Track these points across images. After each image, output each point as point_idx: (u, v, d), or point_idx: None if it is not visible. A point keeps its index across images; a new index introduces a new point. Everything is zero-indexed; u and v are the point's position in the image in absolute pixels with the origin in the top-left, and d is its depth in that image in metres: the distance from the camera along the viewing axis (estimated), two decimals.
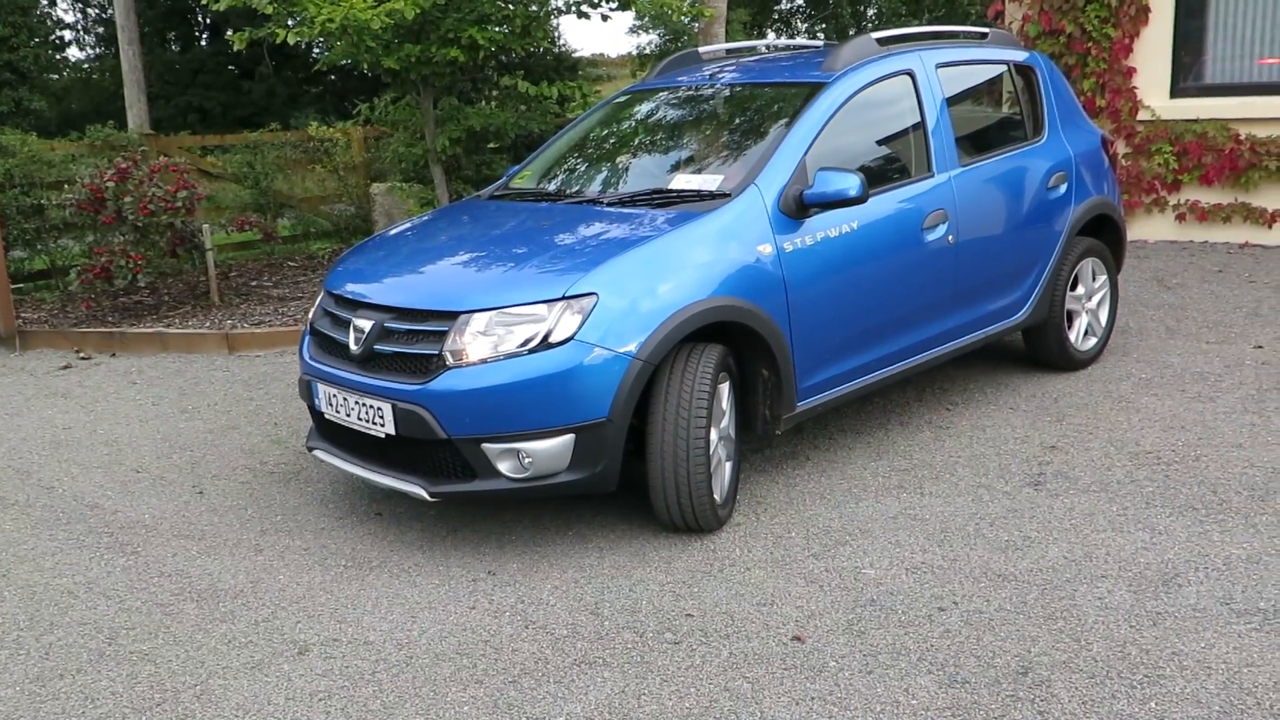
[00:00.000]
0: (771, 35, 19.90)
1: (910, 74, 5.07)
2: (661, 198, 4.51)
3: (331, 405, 4.19)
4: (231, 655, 3.42)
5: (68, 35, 27.33)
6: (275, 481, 4.94)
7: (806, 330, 4.39)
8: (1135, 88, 9.09)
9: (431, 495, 3.92)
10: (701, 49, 5.94)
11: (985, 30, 5.87)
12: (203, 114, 23.89)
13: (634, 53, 29.43)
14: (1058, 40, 9.23)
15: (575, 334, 3.79)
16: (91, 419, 6.04)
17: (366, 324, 4.08)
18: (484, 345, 3.82)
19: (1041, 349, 5.88)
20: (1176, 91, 9.07)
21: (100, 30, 28.16)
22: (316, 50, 20.57)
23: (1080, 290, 5.87)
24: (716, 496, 4.09)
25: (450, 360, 3.83)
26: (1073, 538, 3.96)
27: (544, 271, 4.01)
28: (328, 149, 11.39)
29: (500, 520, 4.35)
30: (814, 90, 4.76)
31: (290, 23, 7.87)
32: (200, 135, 14.55)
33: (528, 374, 3.76)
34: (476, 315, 3.85)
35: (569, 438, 3.79)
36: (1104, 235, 6.04)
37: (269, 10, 7.44)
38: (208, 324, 7.89)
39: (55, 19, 25.88)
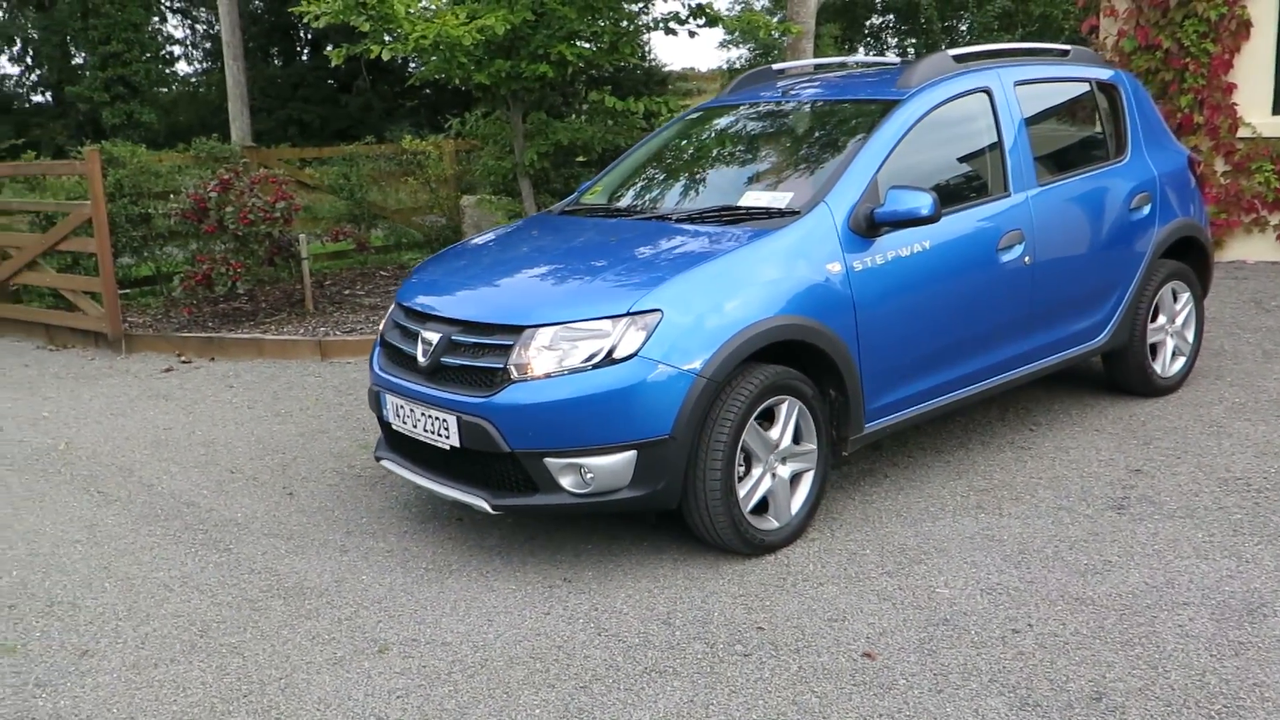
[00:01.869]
0: (861, 51, 19.81)
1: (987, 91, 5.01)
2: (730, 214, 4.50)
3: (399, 416, 4.27)
4: (315, 651, 3.54)
5: (176, 50, 28.37)
6: (361, 485, 5.09)
7: (875, 351, 4.35)
8: (1235, 104, 8.86)
9: (494, 508, 3.95)
10: (776, 65, 5.92)
11: (1067, 48, 5.77)
12: (302, 126, 24.57)
13: (724, 67, 29.50)
14: (1154, 55, 9.05)
15: (639, 350, 3.80)
16: (190, 420, 6.28)
17: (434, 336, 4.13)
18: (548, 360, 3.84)
19: (1122, 374, 5.75)
20: (1279, 108, 8.82)
21: (207, 45, 29.17)
22: (411, 65, 21.05)
23: (1162, 319, 5.73)
24: (748, 516, 4.02)
25: (515, 374, 3.86)
26: (1155, 563, 3.89)
27: (610, 287, 4.05)
28: (420, 162, 11.67)
29: (576, 529, 4.42)
30: (887, 108, 4.73)
31: (386, 39, 8.07)
32: (299, 148, 14.95)
33: (591, 389, 3.78)
34: (542, 330, 3.88)
35: (631, 454, 3.80)
36: (1190, 258, 5.90)
37: (366, 27, 7.65)
38: (302, 331, 8.14)
39: (165, 34, 26.91)
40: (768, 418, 4.08)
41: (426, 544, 4.37)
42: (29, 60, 25.80)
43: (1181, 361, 5.90)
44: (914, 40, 18.14)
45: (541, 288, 4.30)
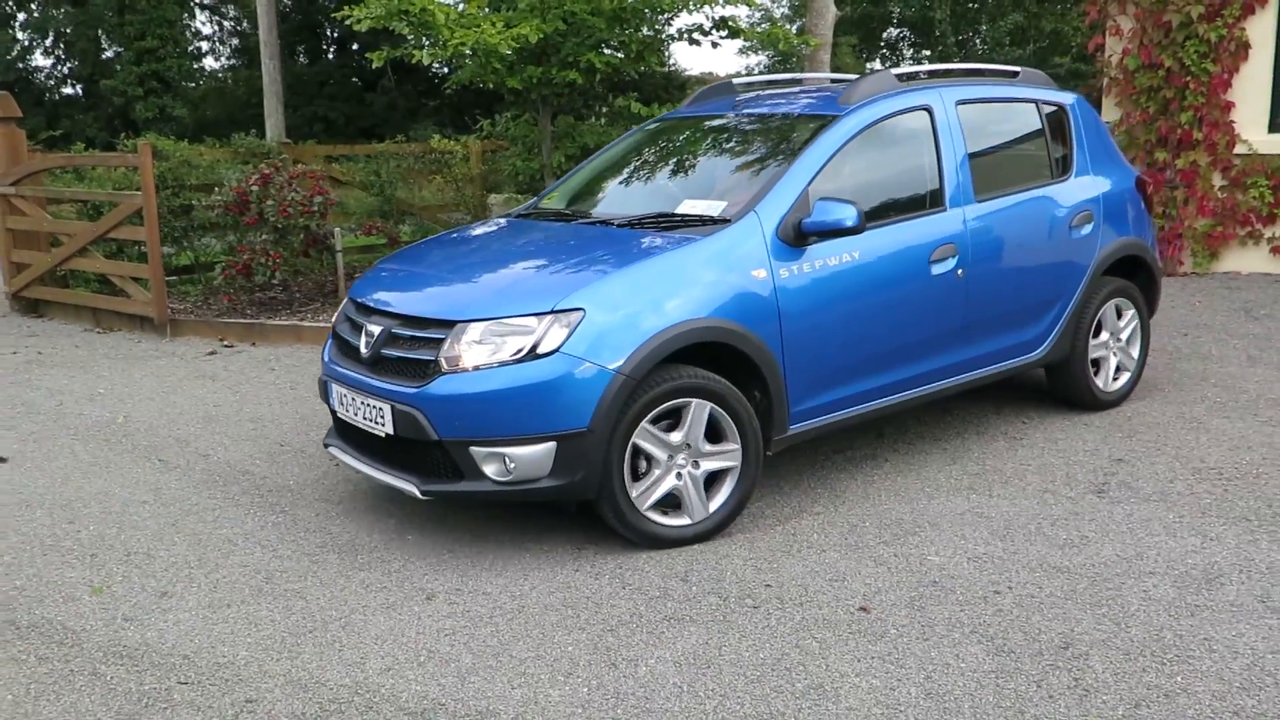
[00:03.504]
0: (877, 63, 20.22)
1: (928, 109, 5.17)
2: (668, 221, 4.70)
3: (343, 405, 4.51)
4: (369, 597, 3.96)
5: (204, 46, 28.93)
6: None
7: (801, 355, 4.52)
8: (1233, 122, 9.25)
9: (423, 493, 4.17)
10: (736, 80, 6.11)
11: (1017, 70, 5.95)
12: (327, 124, 25.08)
13: (742, 72, 29.99)
14: (1156, 74, 9.45)
15: (560, 346, 4.00)
16: (237, 399, 6.72)
17: (376, 329, 4.38)
18: (477, 353, 4.06)
19: (1063, 387, 5.90)
20: (1275, 127, 9.24)
21: (235, 42, 29.72)
22: (436, 66, 21.50)
23: (1105, 335, 5.89)
24: (640, 506, 4.21)
25: (445, 366, 4.08)
26: (1127, 539, 4.29)
27: (539, 286, 4.28)
28: (447, 161, 12.09)
29: None
30: (825, 123, 4.90)
31: (425, 44, 8.51)
32: (328, 145, 15.38)
33: (514, 382, 3.99)
34: (472, 325, 4.11)
35: (551, 445, 4.01)
36: (1137, 277, 6.07)
37: (406, 32, 8.09)
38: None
39: (194, 31, 27.45)
40: (674, 418, 4.25)
41: (463, 511, 4.78)
42: (59, 53, 26.36)
43: (1126, 377, 6.06)
44: (928, 53, 18.52)
45: (478, 285, 4.53)
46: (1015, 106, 5.74)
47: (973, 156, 5.27)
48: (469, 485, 4.13)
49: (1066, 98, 5.98)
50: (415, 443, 4.19)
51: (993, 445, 5.46)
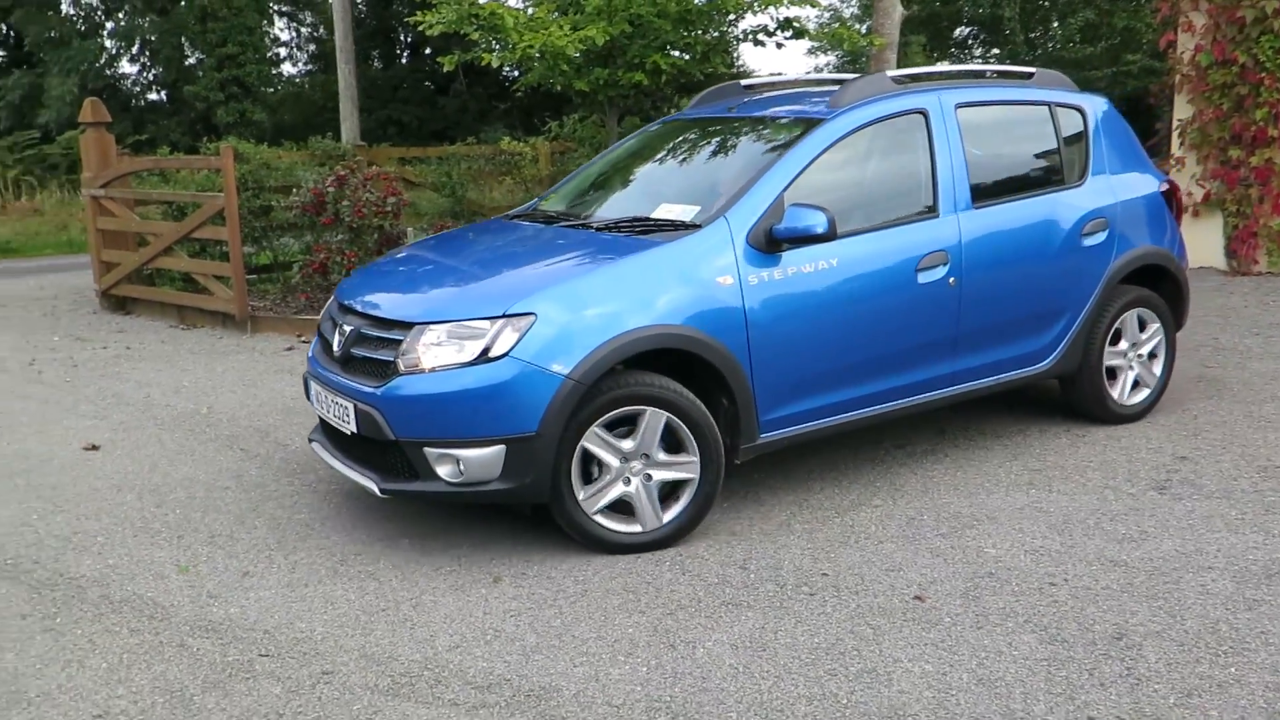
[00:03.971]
0: (945, 63, 20.07)
1: (923, 113, 5.02)
2: (642, 225, 4.67)
3: (318, 401, 4.63)
4: (439, 579, 4.13)
5: (282, 52, 29.63)
6: None
7: (771, 364, 4.44)
8: None
9: (382, 491, 4.22)
10: (745, 80, 5.99)
11: (1032, 70, 5.78)
12: (400, 126, 25.54)
13: (810, 72, 29.90)
14: (1230, 70, 9.31)
15: (510, 350, 4.00)
16: None
17: (349, 328, 4.46)
18: (433, 355, 4.09)
19: (1077, 399, 5.69)
20: None
21: (311, 48, 30.39)
22: (505, 70, 21.82)
23: (1123, 345, 5.67)
24: (588, 510, 4.20)
25: (403, 367, 4.12)
26: (1187, 535, 4.30)
27: (497, 290, 4.29)
28: (517, 162, 12.31)
29: None
30: (810, 126, 4.81)
31: (495, 47, 8.71)
32: (402, 147, 15.73)
33: (465, 385, 4.01)
34: (430, 327, 4.14)
35: (500, 448, 4.02)
36: (1163, 288, 5.84)
37: (476, 37, 8.29)
38: None
39: (273, 37, 28.12)
40: (631, 425, 4.21)
41: None
42: (145, 60, 27.18)
43: (1146, 392, 5.80)
44: (997, 51, 18.34)
45: (443, 288, 4.57)
46: (1025, 109, 5.53)
47: (973, 161, 5.11)
48: (423, 485, 4.17)
49: (1085, 100, 5.74)
50: (376, 441, 4.26)
51: (1055, 442, 5.48)
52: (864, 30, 9.74)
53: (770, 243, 4.44)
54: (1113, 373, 5.68)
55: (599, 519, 4.25)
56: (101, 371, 7.73)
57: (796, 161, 4.65)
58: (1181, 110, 9.89)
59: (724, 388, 4.38)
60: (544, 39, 7.89)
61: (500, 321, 4.07)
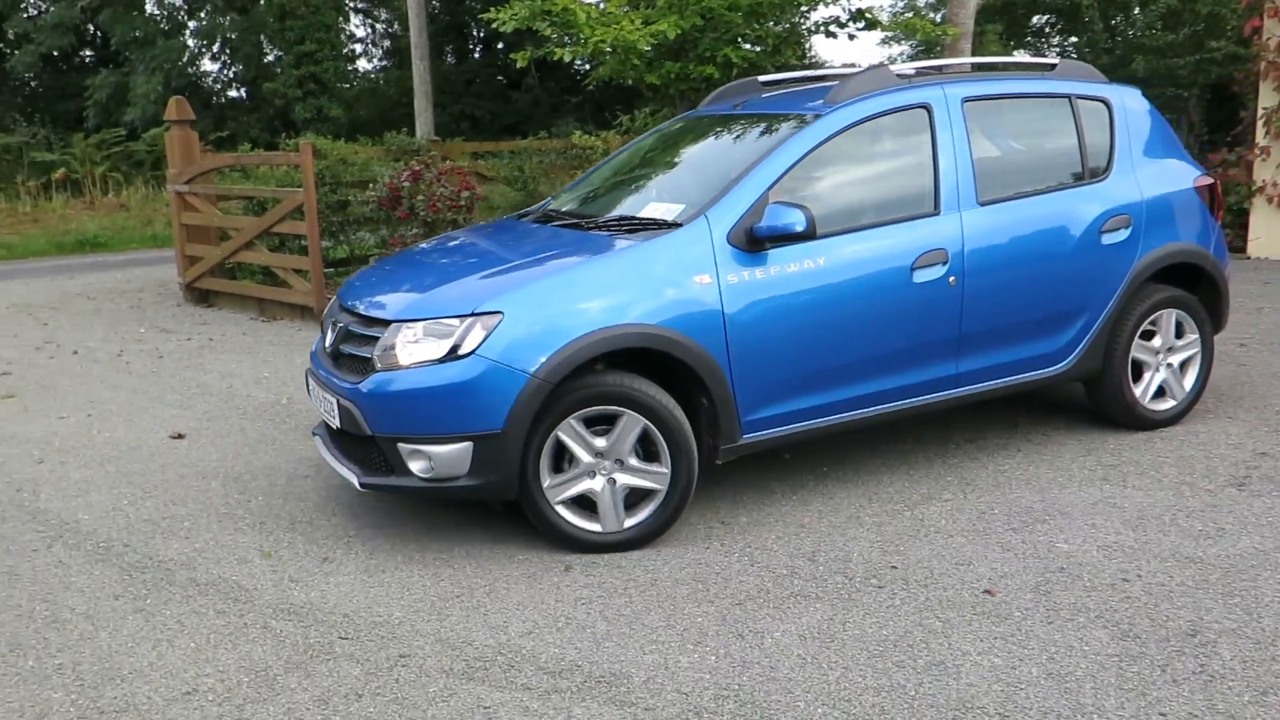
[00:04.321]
0: (1021, 53, 19.75)
1: (927, 108, 4.90)
2: (629, 224, 4.68)
3: (313, 396, 4.75)
4: (512, 567, 4.21)
5: (357, 49, 30.11)
6: None
7: (753, 364, 4.39)
8: None
9: (361, 485, 4.33)
10: (761, 78, 5.82)
11: (1054, 62, 5.57)
12: (473, 121, 25.83)
13: (884, 62, 29.58)
14: None
15: (477, 348, 4.06)
16: None
17: (340, 325, 4.59)
18: (408, 353, 4.16)
19: (1100, 402, 5.49)
20: None
21: (386, 44, 30.84)
22: (577, 64, 21.96)
23: (1157, 342, 5.44)
24: (552, 499, 4.23)
25: (379, 364, 4.21)
26: (1266, 532, 4.23)
27: (471, 289, 4.32)
28: (588, 156, 12.39)
29: (734, 483, 5.00)
30: (802, 123, 4.75)
31: (567, 42, 8.79)
32: (474, 142, 15.92)
33: (435, 382, 4.08)
34: (405, 325, 4.22)
35: (468, 445, 4.08)
36: (1201, 289, 5.60)
37: (549, 32, 8.37)
38: None
39: (349, 34, 28.60)
40: (610, 423, 4.23)
41: None
42: (225, 58, 27.81)
43: (1172, 402, 5.54)
44: (1075, 39, 18.00)
45: (425, 286, 4.58)
46: (1041, 102, 5.34)
47: (982, 157, 4.99)
48: (398, 480, 4.26)
49: (1111, 92, 5.49)
50: (355, 436, 4.36)
51: (1130, 437, 5.40)
52: (938, 19, 9.60)
53: (752, 242, 4.39)
54: (1139, 372, 5.46)
55: (561, 510, 4.27)
56: (186, 362, 7.97)
57: (784, 159, 4.58)
58: (1267, 98, 9.63)
59: (702, 388, 4.35)
60: (615, 34, 7.95)
61: (469, 319, 4.12)
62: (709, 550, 4.29)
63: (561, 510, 4.27)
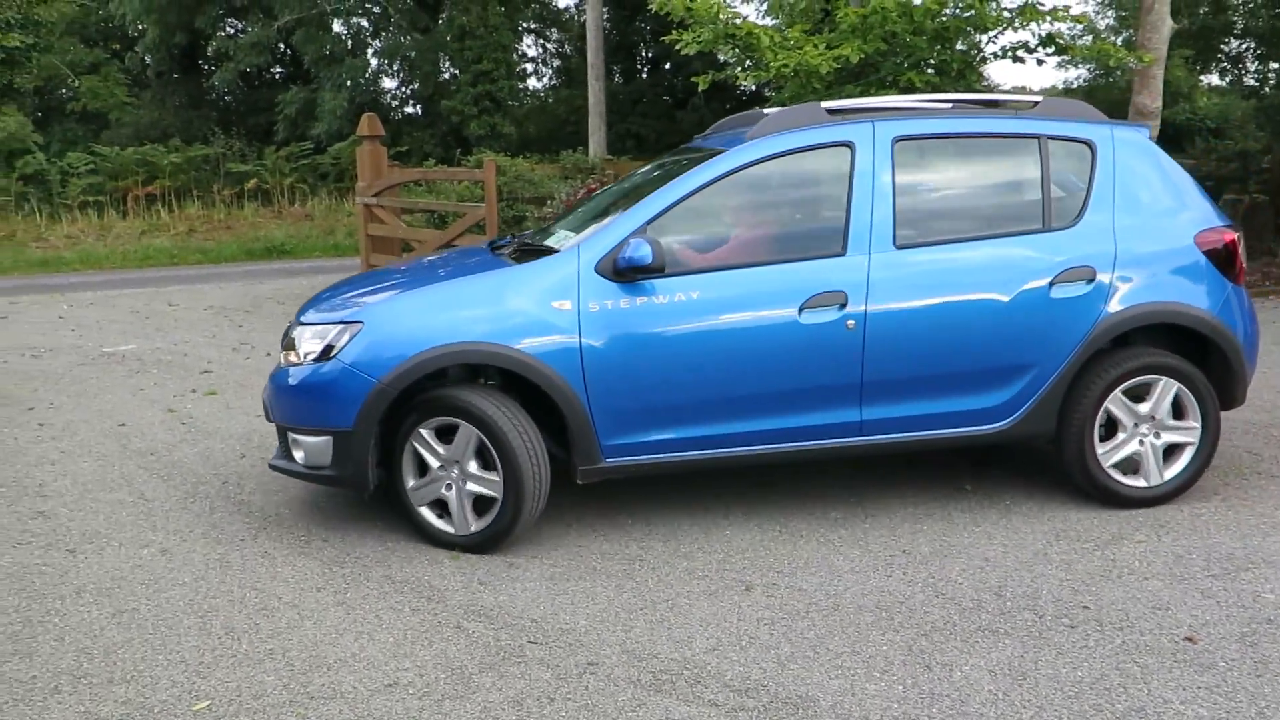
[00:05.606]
0: (1215, 78, 18.89)
1: (849, 145, 4.72)
2: (532, 251, 4.93)
3: None
4: (692, 583, 4.27)
5: (529, 68, 30.93)
6: None
7: (612, 390, 4.51)
8: None
9: (270, 465, 4.97)
10: (768, 110, 5.27)
11: (1037, 99, 5.19)
12: (639, 140, 26.18)
13: (1058, 86, 28.74)
14: None
15: (338, 353, 4.57)
16: None
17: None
18: (299, 354, 4.73)
19: (1064, 467, 5.01)
20: None
21: (556, 63, 31.58)
22: (741, 84, 22.05)
23: (1144, 408, 4.86)
24: (415, 503, 4.68)
25: (283, 361, 4.84)
26: None
27: (356, 300, 4.86)
28: None
29: (914, 509, 4.95)
30: (706, 158, 4.78)
31: (748, 65, 8.86)
32: (645, 160, 16.17)
33: (305, 379, 4.66)
34: (302, 326, 4.80)
35: (329, 439, 4.61)
36: (1209, 360, 4.98)
37: (731, 56, 8.46)
38: None
39: (521, 53, 29.41)
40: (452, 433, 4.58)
41: (776, 510, 5.01)
42: (404, 75, 28.94)
43: (1156, 480, 4.91)
44: (1276, 65, 17.11)
45: (345, 297, 5.01)
46: (1000, 143, 4.96)
47: (912, 199, 4.75)
48: (288, 465, 4.85)
49: (1098, 132, 4.96)
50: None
51: None
52: (1120, 42, 9.29)
53: (618, 273, 4.51)
54: (1113, 436, 4.91)
55: (425, 511, 4.69)
56: None
57: (672, 194, 4.67)
58: None
59: (555, 408, 4.54)
60: (799, 58, 7.98)
61: (339, 327, 4.65)
62: (890, 579, 4.26)
63: (425, 511, 4.69)
